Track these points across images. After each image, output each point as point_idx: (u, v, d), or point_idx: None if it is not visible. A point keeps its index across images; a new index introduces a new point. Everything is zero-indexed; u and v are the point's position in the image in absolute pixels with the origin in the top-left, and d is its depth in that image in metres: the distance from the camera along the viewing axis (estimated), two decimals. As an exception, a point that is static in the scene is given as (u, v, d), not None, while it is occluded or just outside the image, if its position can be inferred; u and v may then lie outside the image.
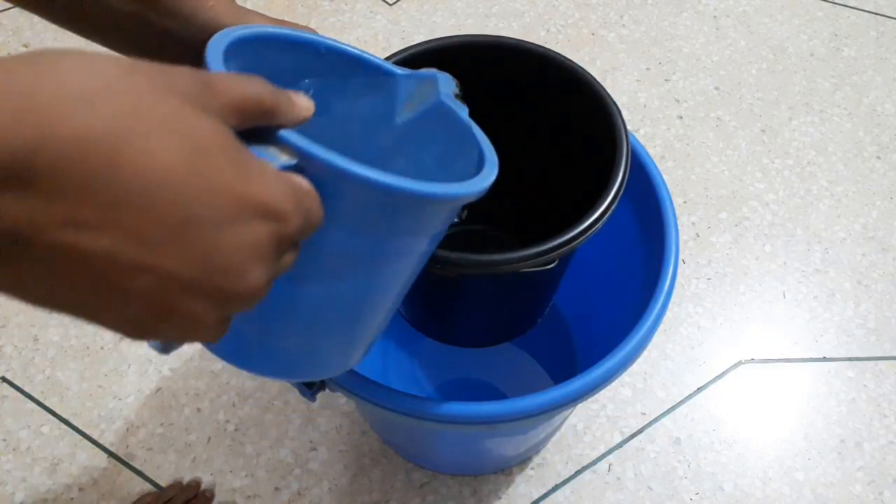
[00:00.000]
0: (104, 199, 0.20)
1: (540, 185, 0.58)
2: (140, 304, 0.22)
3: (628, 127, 0.49)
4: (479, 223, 0.63)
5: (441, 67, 0.44)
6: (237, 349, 0.32)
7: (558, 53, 0.50)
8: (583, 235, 0.41)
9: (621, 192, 0.43)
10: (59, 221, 0.19)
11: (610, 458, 0.75)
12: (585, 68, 0.49)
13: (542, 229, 0.55)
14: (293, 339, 0.31)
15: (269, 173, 0.24)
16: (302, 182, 0.25)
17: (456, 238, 0.57)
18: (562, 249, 0.40)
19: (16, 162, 0.18)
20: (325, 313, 0.31)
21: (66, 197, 0.19)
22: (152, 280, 0.22)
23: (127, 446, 0.75)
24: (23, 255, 0.20)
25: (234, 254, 0.23)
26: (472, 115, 0.38)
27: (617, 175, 0.43)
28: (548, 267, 0.40)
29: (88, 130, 0.19)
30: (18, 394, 0.78)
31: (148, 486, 0.72)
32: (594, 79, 0.49)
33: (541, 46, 0.50)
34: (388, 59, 0.47)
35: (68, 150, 0.19)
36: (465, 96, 0.39)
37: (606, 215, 0.42)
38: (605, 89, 0.48)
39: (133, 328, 0.23)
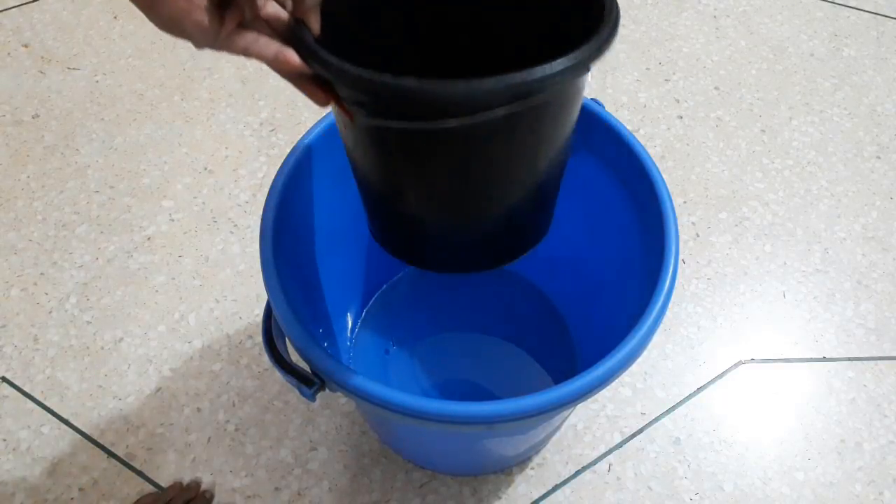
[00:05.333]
0: None
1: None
2: None
3: (629, 128, 0.48)
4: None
5: None
6: None
7: None
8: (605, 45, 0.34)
9: None
10: None
11: (610, 458, 0.75)
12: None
13: None
14: None
15: None
16: None
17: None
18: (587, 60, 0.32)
19: None
20: None
21: None
22: None
23: (127, 446, 0.75)
24: None
25: None
26: None
27: None
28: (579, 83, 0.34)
29: None
30: (18, 394, 0.78)
31: (148, 487, 0.72)
32: None
33: None
34: None
35: None
36: None
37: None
38: None
39: None
